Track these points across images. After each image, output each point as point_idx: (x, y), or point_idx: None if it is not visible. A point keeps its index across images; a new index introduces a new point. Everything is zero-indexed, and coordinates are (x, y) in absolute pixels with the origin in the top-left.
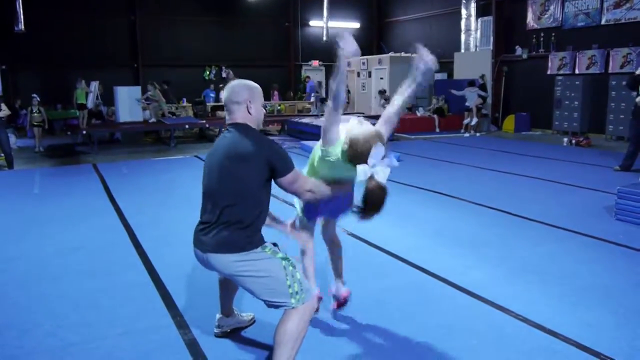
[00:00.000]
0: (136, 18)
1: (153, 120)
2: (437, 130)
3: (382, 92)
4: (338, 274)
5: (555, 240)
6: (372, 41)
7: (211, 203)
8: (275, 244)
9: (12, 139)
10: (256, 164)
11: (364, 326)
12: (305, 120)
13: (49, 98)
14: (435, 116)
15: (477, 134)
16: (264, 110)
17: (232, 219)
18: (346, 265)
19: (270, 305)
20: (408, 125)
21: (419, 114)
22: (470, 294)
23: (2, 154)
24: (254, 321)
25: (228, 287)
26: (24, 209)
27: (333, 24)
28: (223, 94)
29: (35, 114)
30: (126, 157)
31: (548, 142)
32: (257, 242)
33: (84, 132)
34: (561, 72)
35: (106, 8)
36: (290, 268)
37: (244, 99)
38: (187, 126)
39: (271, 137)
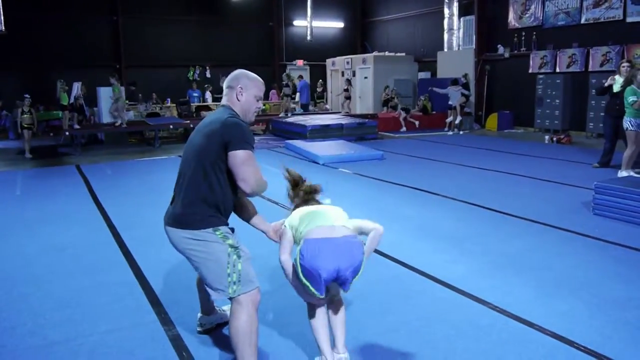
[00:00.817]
0: (119, 18)
1: (120, 122)
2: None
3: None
4: (336, 342)
5: (533, 234)
6: (356, 41)
7: (179, 178)
8: (232, 229)
9: None
10: (215, 139)
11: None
12: (290, 120)
13: (32, 99)
14: (400, 112)
15: (461, 132)
16: (258, 105)
17: (189, 195)
18: None
19: (211, 289)
20: (392, 124)
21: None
22: (450, 287)
23: None
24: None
25: (204, 287)
26: (6, 211)
27: (317, 23)
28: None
29: (26, 116)
30: (110, 159)
31: (530, 140)
32: (210, 222)
33: (67, 133)
34: (542, 70)
35: (88, 8)
36: (234, 257)
37: (237, 85)
38: (171, 126)
39: (255, 137)
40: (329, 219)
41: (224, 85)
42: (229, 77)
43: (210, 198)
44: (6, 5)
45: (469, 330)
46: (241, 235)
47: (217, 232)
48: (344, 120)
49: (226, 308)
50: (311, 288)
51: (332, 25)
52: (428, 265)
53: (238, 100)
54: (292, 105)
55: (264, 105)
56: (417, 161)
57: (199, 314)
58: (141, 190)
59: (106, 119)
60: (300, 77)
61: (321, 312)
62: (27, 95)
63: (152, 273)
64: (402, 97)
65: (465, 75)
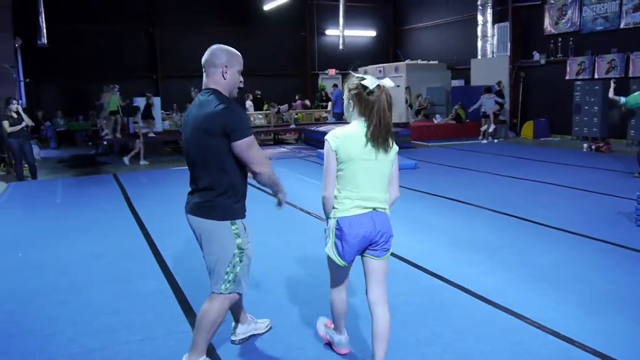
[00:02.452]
0: (155, 30)
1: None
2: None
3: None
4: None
5: (571, 246)
6: (388, 49)
7: (190, 170)
8: (245, 226)
9: (36, 149)
10: (215, 129)
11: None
12: (322, 128)
13: (70, 109)
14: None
15: (495, 141)
16: (241, 78)
17: (203, 186)
18: (358, 268)
19: (209, 275)
20: (425, 133)
21: (435, 122)
22: (485, 300)
23: (26, 165)
24: (271, 327)
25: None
26: (48, 218)
27: (349, 32)
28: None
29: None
30: (146, 167)
31: (567, 148)
32: (228, 214)
33: (105, 142)
34: (580, 77)
35: (126, 21)
36: (237, 259)
37: (221, 63)
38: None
39: (288, 146)
40: (372, 182)
41: (205, 64)
42: (209, 54)
43: (221, 187)
44: (48, 19)
45: (506, 346)
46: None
47: (233, 227)
48: None
49: (261, 321)
50: (335, 254)
51: (364, 34)
52: (462, 277)
53: (224, 79)
54: (325, 115)
55: (297, 114)
56: (451, 170)
57: (233, 323)
58: (175, 199)
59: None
60: (335, 85)
61: (343, 291)
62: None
63: (185, 282)
64: (435, 106)
65: (499, 83)
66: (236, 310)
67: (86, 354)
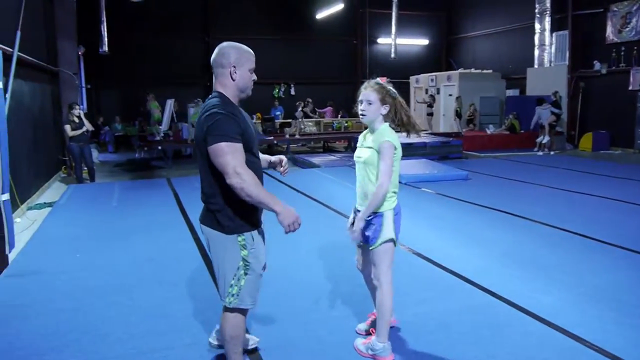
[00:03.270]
0: (209, 38)
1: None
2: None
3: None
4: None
5: (632, 266)
6: (441, 57)
7: (200, 178)
8: (253, 238)
9: (95, 153)
10: (201, 135)
11: (426, 350)
12: None
13: (127, 115)
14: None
15: (552, 152)
16: (254, 77)
17: (207, 195)
18: (409, 283)
19: (217, 287)
20: (477, 143)
21: (488, 132)
22: (541, 320)
23: (86, 168)
24: (257, 348)
25: None
26: (104, 221)
27: (401, 40)
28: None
29: None
30: (197, 172)
31: (630, 162)
32: (232, 228)
33: (159, 147)
34: None
35: (182, 31)
36: (242, 272)
37: (229, 63)
38: None
39: (338, 154)
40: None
41: (213, 63)
42: (216, 53)
43: (225, 192)
44: (109, 28)
45: None
46: None
47: (240, 238)
48: (428, 139)
49: (248, 337)
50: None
51: (417, 42)
52: (515, 295)
53: (233, 80)
54: None
55: (347, 122)
56: (504, 182)
57: (217, 326)
58: None
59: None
60: None
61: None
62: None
63: None
64: (487, 115)
65: (555, 93)
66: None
67: (136, 356)
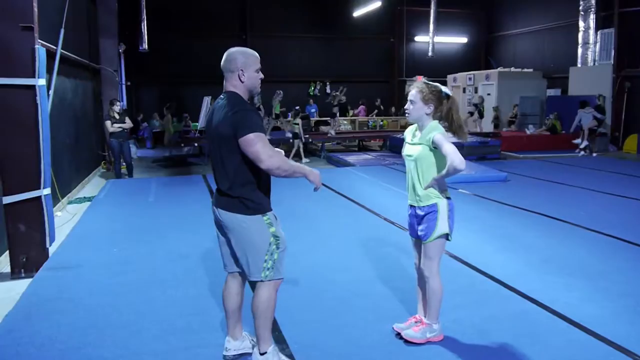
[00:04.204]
0: (247, 37)
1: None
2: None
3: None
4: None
5: None
6: (480, 56)
7: (214, 171)
8: (275, 217)
9: (133, 149)
10: (228, 133)
11: (466, 358)
12: None
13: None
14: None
15: (594, 154)
16: (261, 76)
17: (229, 185)
18: (446, 287)
19: (246, 270)
20: (516, 144)
21: (528, 132)
22: (586, 330)
23: (124, 163)
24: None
25: (231, 307)
26: (141, 216)
27: (439, 39)
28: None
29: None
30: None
31: None
32: (258, 209)
33: (195, 144)
34: None
35: (220, 30)
36: (274, 247)
37: (236, 67)
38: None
39: (373, 153)
40: None
41: (222, 68)
42: (225, 59)
43: (247, 181)
44: (149, 27)
45: None
46: None
47: (265, 218)
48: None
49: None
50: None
51: (455, 40)
52: (558, 302)
53: (242, 82)
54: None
55: (383, 121)
56: (544, 185)
57: (227, 337)
58: None
59: None
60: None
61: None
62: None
63: None
64: (527, 115)
65: (600, 97)
66: (232, 324)
67: (169, 353)
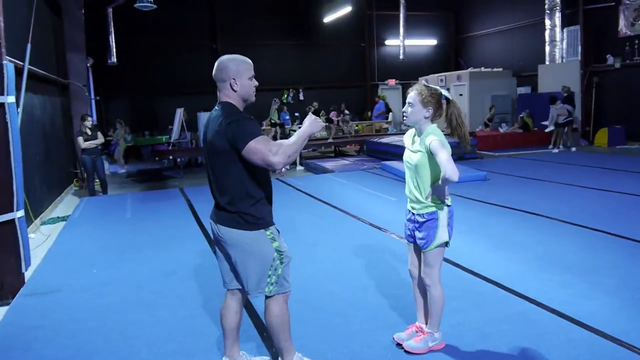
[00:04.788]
0: (217, 46)
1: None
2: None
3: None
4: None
5: None
6: (450, 57)
7: (212, 184)
8: (278, 230)
9: (105, 164)
10: (223, 146)
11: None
12: (385, 140)
13: (137, 125)
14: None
15: (573, 149)
16: (255, 84)
17: (228, 199)
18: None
19: (248, 288)
20: (491, 143)
21: (501, 130)
22: (587, 327)
23: (98, 180)
24: None
25: (229, 325)
26: (119, 233)
27: (410, 41)
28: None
29: None
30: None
31: None
32: (261, 224)
33: (170, 157)
34: None
35: (190, 38)
36: (278, 262)
37: (228, 76)
38: None
39: (350, 158)
40: None
41: (214, 78)
42: (216, 68)
43: (247, 194)
44: (116, 38)
45: None
46: None
47: (268, 232)
48: None
49: (257, 358)
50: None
51: (425, 42)
52: (557, 301)
53: (235, 91)
54: (385, 126)
55: (357, 125)
56: (524, 182)
57: (224, 358)
58: None
59: None
60: (378, 97)
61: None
62: None
63: (258, 302)
64: (499, 114)
65: (564, 88)
66: (230, 343)
67: None
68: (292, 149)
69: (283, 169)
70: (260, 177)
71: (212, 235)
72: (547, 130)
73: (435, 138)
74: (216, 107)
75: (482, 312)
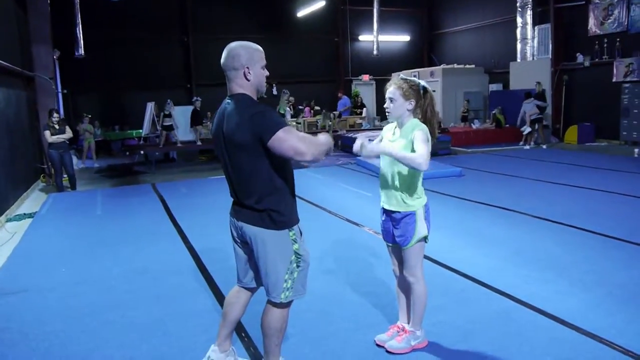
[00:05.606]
0: (189, 39)
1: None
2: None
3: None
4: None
5: None
6: (423, 53)
7: (232, 180)
8: (300, 231)
9: (75, 160)
10: (246, 140)
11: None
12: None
13: (107, 120)
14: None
15: (544, 146)
16: (266, 73)
17: (250, 196)
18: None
19: (265, 288)
20: (464, 139)
21: (474, 127)
22: (567, 325)
23: (66, 175)
24: None
25: (232, 316)
26: (89, 231)
27: (383, 37)
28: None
29: None
30: (183, 177)
31: (617, 154)
32: (285, 222)
33: (142, 152)
34: (628, 79)
35: (160, 31)
36: (294, 265)
37: (241, 64)
38: None
39: None
40: None
41: (224, 67)
42: (227, 55)
43: (271, 190)
44: (84, 30)
45: None
46: None
47: (291, 233)
48: None
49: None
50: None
51: (398, 38)
52: (537, 298)
53: (248, 80)
54: (359, 121)
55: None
56: (498, 178)
57: (214, 347)
58: (215, 209)
59: (182, 137)
60: (340, 94)
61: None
62: None
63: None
64: (474, 111)
65: (538, 85)
66: (225, 334)
67: None
68: (321, 146)
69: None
70: (286, 171)
71: (232, 233)
72: (525, 133)
73: (422, 132)
74: (228, 100)
75: (463, 310)
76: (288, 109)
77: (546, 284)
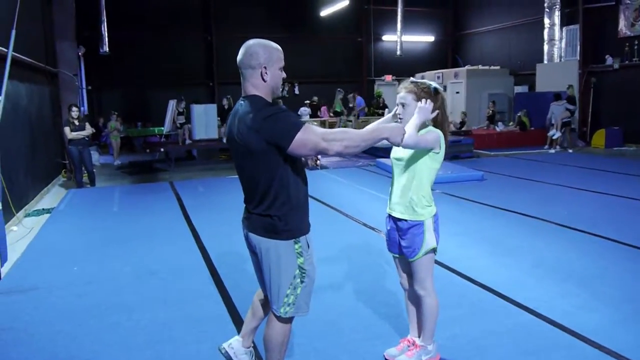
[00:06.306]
0: (212, 38)
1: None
2: None
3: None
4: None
5: None
6: (447, 54)
7: (243, 185)
8: (308, 244)
9: (95, 156)
10: (260, 145)
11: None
12: None
13: (129, 116)
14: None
15: (570, 150)
16: (284, 75)
17: (260, 203)
18: (440, 302)
19: (269, 299)
20: (487, 141)
21: (498, 129)
22: (590, 343)
23: (86, 172)
24: None
25: (257, 314)
26: (105, 227)
27: (407, 37)
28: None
29: None
30: (202, 175)
31: None
32: (291, 232)
33: (162, 150)
34: None
35: (184, 29)
36: (298, 280)
37: (258, 64)
38: None
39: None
40: None
41: (241, 64)
42: (244, 53)
43: (282, 198)
44: (110, 27)
45: None
46: None
47: (297, 245)
48: None
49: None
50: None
51: (422, 39)
52: (557, 312)
53: (264, 81)
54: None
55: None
56: (522, 183)
57: (238, 337)
58: (231, 209)
59: (199, 135)
60: (356, 94)
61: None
62: None
63: (244, 306)
64: (499, 113)
65: (570, 87)
66: (248, 329)
67: None
68: (357, 139)
69: (318, 161)
70: (298, 178)
71: (246, 242)
72: (554, 137)
73: (436, 133)
74: (241, 102)
75: (479, 323)
76: (307, 108)
77: (568, 297)
